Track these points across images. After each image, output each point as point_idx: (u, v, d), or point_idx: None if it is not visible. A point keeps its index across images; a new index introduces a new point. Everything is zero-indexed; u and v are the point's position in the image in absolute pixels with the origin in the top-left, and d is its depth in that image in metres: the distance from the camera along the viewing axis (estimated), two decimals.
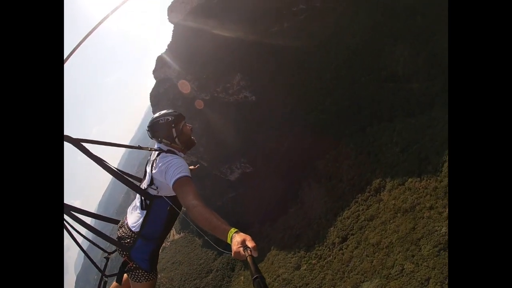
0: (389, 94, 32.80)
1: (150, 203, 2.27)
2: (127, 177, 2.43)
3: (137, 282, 2.38)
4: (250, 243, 1.35)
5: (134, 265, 2.34)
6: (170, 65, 43.66)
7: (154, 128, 2.42)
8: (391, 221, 20.83)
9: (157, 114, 2.49)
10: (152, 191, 2.26)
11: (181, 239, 50.29)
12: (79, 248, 2.49)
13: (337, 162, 33.31)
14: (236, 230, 1.48)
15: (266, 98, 40.88)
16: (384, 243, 20.26)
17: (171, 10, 47.18)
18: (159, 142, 2.42)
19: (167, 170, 2.10)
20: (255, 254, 1.33)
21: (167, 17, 48.03)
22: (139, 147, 2.62)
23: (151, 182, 2.25)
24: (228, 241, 1.45)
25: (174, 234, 53.34)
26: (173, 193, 2.07)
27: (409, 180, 22.19)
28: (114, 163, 2.37)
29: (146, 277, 2.38)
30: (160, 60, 46.29)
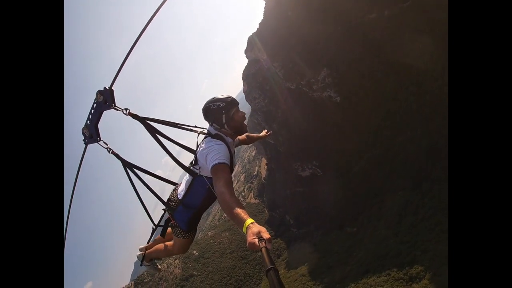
0: None
1: (192, 179, 2.70)
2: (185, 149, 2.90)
3: (176, 237, 3.04)
4: (265, 235, 1.45)
5: (175, 223, 2.93)
6: (259, 49, 44.89)
7: (206, 112, 2.70)
8: None
9: (210, 98, 2.73)
10: (195, 170, 2.64)
11: (254, 205, 59.63)
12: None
13: (404, 210, 31.37)
14: (252, 221, 1.60)
15: (352, 103, 38.36)
16: None
17: None
18: (210, 125, 2.73)
19: (207, 155, 2.40)
20: (269, 246, 1.40)
21: None
22: (196, 127, 2.91)
23: (195, 162, 2.64)
24: (244, 231, 1.59)
25: (251, 197, 63.33)
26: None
27: None
28: None
29: (183, 236, 2.99)
30: (251, 41, 47.66)
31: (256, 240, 1.44)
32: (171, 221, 2.98)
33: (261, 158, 63.93)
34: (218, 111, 2.68)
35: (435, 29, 31.65)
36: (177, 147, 3.03)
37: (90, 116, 2.66)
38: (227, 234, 52.61)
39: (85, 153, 2.88)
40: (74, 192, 3.08)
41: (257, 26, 47.32)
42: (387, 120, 35.83)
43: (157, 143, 2.64)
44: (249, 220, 1.62)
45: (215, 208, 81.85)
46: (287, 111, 45.19)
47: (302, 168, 44.52)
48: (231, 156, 2.60)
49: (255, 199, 62.17)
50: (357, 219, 37.22)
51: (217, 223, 67.32)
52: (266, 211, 56.50)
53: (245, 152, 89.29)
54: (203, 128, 2.88)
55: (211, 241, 51.49)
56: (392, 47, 34.61)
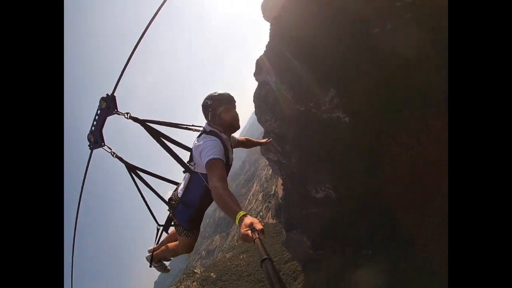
0: None
1: (190, 177, 2.81)
2: (186, 149, 3.00)
3: (179, 235, 3.15)
4: (258, 226, 1.50)
5: (177, 222, 3.05)
6: (267, 71, 46.34)
7: (202, 108, 2.82)
8: None
9: (207, 95, 2.83)
10: (191, 167, 2.73)
11: (272, 226, 59.65)
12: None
13: (417, 230, 30.97)
14: (245, 213, 1.65)
15: (360, 122, 38.44)
16: None
17: (264, 7, 46.95)
18: (206, 122, 2.84)
19: (201, 151, 2.46)
20: (262, 237, 1.44)
21: (261, 14, 48.00)
22: (193, 126, 3.00)
23: (191, 159, 2.75)
24: (237, 223, 1.63)
25: (269, 217, 63.63)
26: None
27: None
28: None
29: (186, 234, 3.07)
30: (259, 63, 49.26)
31: (249, 231, 1.48)
32: (174, 220, 3.10)
33: (278, 177, 64.54)
34: (206, 108, 2.77)
35: (440, 38, 31.66)
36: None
37: (95, 122, 2.76)
38: (244, 256, 53.20)
39: (91, 158, 2.96)
40: (81, 197, 3.22)
41: (264, 48, 48.54)
42: (396, 137, 35.72)
43: (160, 146, 2.75)
44: (242, 212, 1.66)
45: (234, 228, 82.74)
46: (298, 133, 45.83)
47: (316, 190, 44.68)
48: (227, 152, 2.65)
49: (273, 219, 62.34)
50: (372, 240, 36.89)
51: (236, 244, 67.96)
52: (284, 232, 56.57)
53: (263, 171, 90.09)
54: (199, 126, 2.96)
55: (229, 263, 52.29)
56: (397, 60, 34.68)
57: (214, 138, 2.57)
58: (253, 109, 53.77)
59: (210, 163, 2.29)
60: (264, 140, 4.03)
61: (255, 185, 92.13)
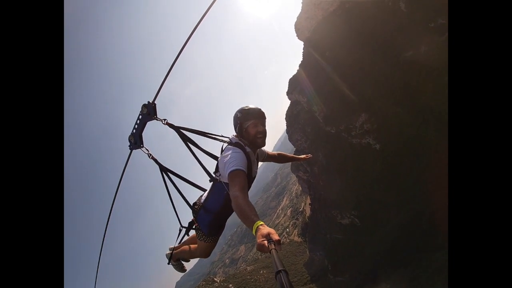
0: None
1: (213, 185, 2.95)
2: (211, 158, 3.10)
3: (199, 240, 3.28)
4: (274, 237, 1.49)
5: (198, 226, 3.19)
6: (300, 91, 46.76)
7: (233, 120, 2.91)
8: None
9: (240, 107, 2.93)
10: (216, 176, 2.86)
11: (297, 244, 59.30)
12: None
13: (438, 276, 29.53)
14: (262, 223, 1.66)
15: (391, 151, 37.24)
16: None
17: (297, 26, 47.12)
18: (235, 133, 2.93)
19: (225, 162, 2.54)
20: (278, 248, 1.43)
21: (295, 33, 48.01)
22: (222, 136, 3.03)
23: (216, 169, 2.87)
24: (253, 232, 1.63)
25: (295, 235, 63.20)
26: None
27: None
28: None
29: (205, 239, 3.20)
30: (292, 83, 49.69)
31: (266, 242, 1.50)
32: (195, 223, 3.25)
33: (307, 195, 63.99)
34: (235, 120, 2.89)
35: None
36: None
37: (136, 126, 2.98)
38: (264, 272, 53.59)
39: (130, 158, 3.18)
40: (117, 192, 3.46)
41: (297, 68, 49.04)
42: (427, 172, 34.16)
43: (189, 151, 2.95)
44: (259, 222, 1.69)
45: None
46: (328, 155, 45.44)
47: (341, 215, 44.02)
48: (250, 165, 2.74)
49: (299, 237, 61.97)
50: (392, 275, 35.69)
51: (259, 257, 68.48)
52: (308, 252, 56.14)
53: (294, 185, 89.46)
54: (226, 137, 3.03)
55: (248, 276, 53.05)
56: (432, 86, 33.11)
57: (238, 150, 2.68)
58: (285, 127, 54.30)
59: (232, 174, 2.39)
60: (302, 156, 4.01)
61: (285, 199, 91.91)
